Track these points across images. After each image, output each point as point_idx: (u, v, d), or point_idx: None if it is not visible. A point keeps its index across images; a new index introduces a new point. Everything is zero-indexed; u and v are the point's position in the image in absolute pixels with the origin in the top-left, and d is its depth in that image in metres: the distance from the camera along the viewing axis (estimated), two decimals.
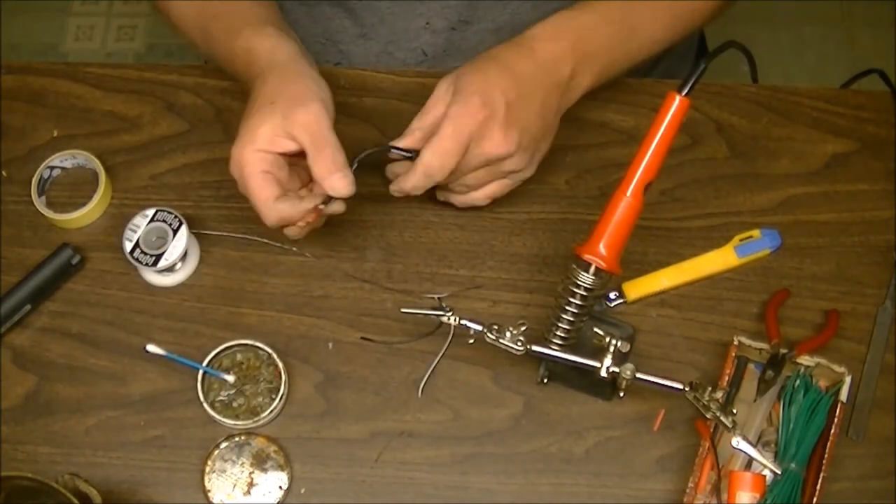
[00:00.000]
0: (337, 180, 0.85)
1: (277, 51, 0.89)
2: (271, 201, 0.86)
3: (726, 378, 0.90)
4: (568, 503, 0.90)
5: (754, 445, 0.86)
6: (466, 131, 0.86)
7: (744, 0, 1.02)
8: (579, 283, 0.84)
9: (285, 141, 0.85)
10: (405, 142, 0.90)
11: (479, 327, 0.87)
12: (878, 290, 0.97)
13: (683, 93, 0.79)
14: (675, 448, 0.92)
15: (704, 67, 0.79)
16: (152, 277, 0.97)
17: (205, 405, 0.91)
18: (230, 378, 0.92)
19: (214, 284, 0.98)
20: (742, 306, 0.96)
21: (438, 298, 0.95)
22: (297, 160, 0.88)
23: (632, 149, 0.82)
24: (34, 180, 0.99)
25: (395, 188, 0.92)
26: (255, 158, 0.85)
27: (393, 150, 0.91)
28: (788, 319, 0.95)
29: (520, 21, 1.06)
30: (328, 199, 0.87)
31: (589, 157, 1.02)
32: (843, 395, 0.88)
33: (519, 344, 0.86)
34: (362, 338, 0.95)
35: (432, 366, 0.94)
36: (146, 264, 0.93)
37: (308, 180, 0.90)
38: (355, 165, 0.89)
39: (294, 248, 0.98)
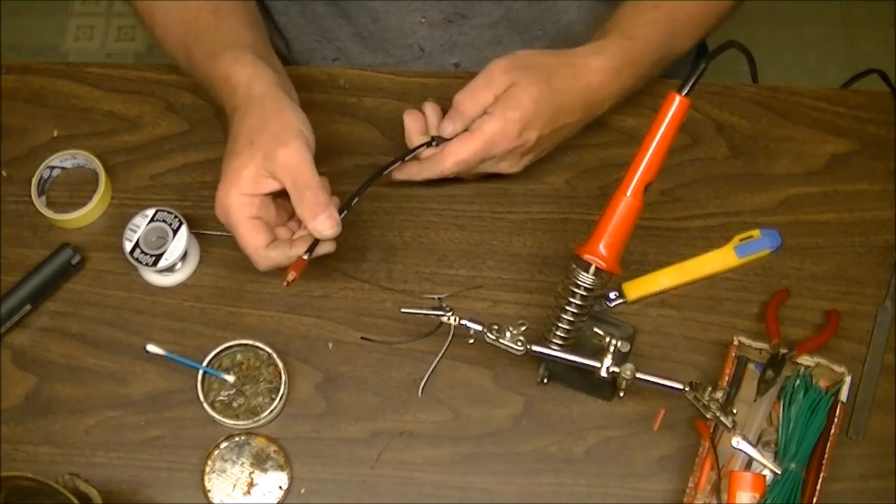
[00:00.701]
0: (321, 222, 0.84)
1: (255, 81, 0.88)
2: (262, 249, 0.86)
3: (726, 378, 0.90)
4: (568, 503, 0.90)
5: (754, 445, 0.86)
6: (498, 150, 0.91)
7: (744, 0, 1.02)
8: (579, 283, 0.84)
9: (269, 181, 0.85)
10: (451, 125, 0.91)
11: (479, 327, 0.87)
12: (878, 290, 0.97)
13: (683, 93, 0.79)
14: (675, 448, 0.92)
15: (704, 67, 0.79)
16: (152, 277, 0.97)
17: (205, 405, 0.91)
18: (230, 378, 0.92)
19: (214, 284, 0.98)
20: (742, 306, 0.96)
21: (438, 299, 0.95)
22: (282, 196, 0.87)
23: (632, 149, 0.82)
24: (34, 180, 0.99)
25: (401, 176, 0.94)
26: (241, 203, 0.85)
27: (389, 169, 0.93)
28: (788, 319, 0.95)
29: (515, 16, 1.06)
30: (315, 242, 0.87)
31: (589, 157, 1.02)
32: (843, 395, 0.88)
33: (519, 344, 0.86)
34: (362, 338, 0.95)
35: (432, 366, 0.94)
36: (146, 264, 0.93)
37: (294, 213, 0.90)
38: (356, 200, 0.90)
39: None
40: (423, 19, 1.06)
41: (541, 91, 0.89)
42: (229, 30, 0.93)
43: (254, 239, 0.86)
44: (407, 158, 0.93)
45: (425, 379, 0.93)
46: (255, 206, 0.86)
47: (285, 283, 0.87)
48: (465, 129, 0.91)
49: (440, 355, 0.94)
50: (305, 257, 0.87)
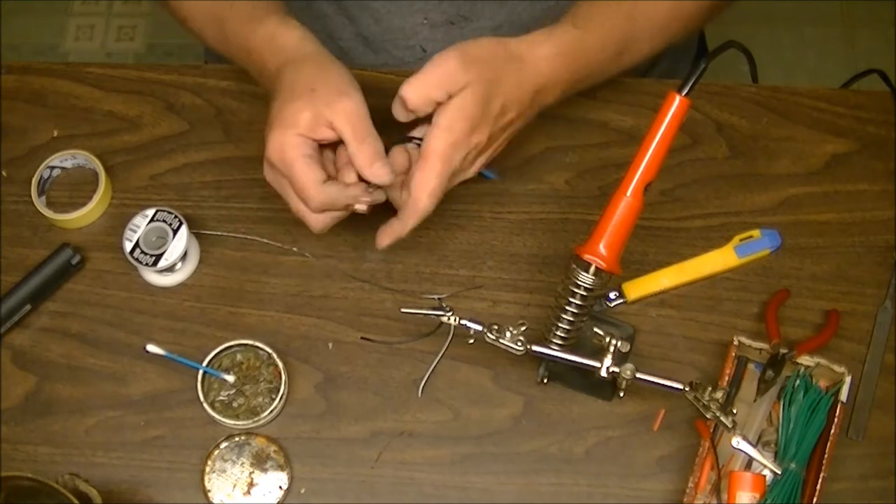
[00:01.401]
0: (378, 168, 0.85)
1: (307, 41, 0.90)
2: (319, 184, 0.85)
3: (726, 378, 0.90)
4: (568, 503, 0.90)
5: (754, 445, 0.86)
6: (454, 165, 0.87)
7: (744, 0, 1.02)
8: (579, 283, 0.84)
9: (325, 129, 0.85)
10: (399, 108, 0.88)
11: (479, 327, 0.87)
12: (878, 290, 0.97)
13: (683, 93, 0.79)
14: (675, 448, 0.92)
15: (704, 67, 0.79)
16: (152, 277, 0.97)
17: (205, 405, 0.91)
18: (230, 378, 0.92)
19: (214, 284, 0.98)
20: (742, 306, 0.96)
21: (438, 299, 0.95)
22: (324, 151, 0.88)
23: (632, 149, 0.82)
24: (34, 180, 0.99)
25: (388, 240, 0.91)
26: (298, 142, 0.85)
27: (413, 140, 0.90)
28: (788, 319, 0.95)
29: (518, 19, 1.06)
30: (372, 188, 0.87)
31: (589, 157, 1.02)
32: (843, 395, 0.88)
33: (519, 344, 0.86)
34: (362, 338, 0.95)
35: (432, 366, 0.94)
36: (146, 264, 0.93)
37: (332, 173, 0.89)
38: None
39: (294, 249, 0.98)
40: (425, 20, 1.06)
41: (485, 91, 0.86)
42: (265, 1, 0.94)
43: (310, 174, 0.85)
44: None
45: (425, 379, 0.93)
46: (310, 146, 0.86)
47: (366, 208, 0.88)
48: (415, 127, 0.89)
49: (440, 355, 0.94)
50: (369, 192, 0.87)
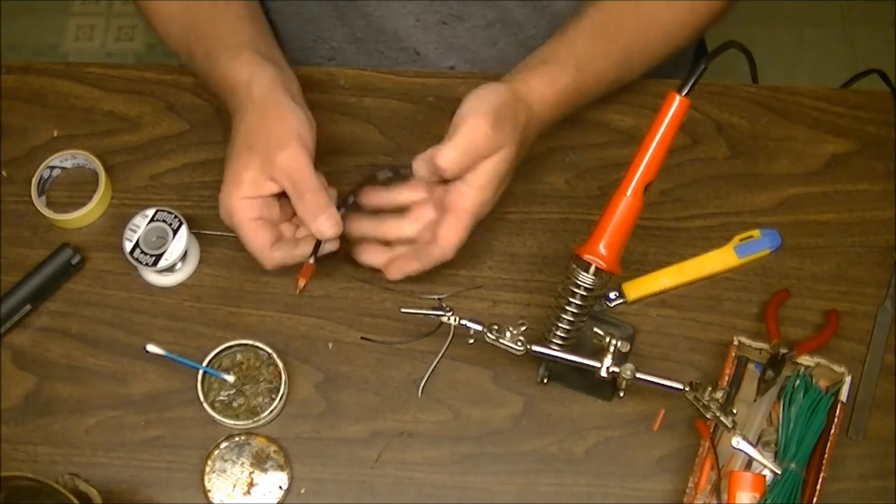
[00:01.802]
0: (321, 223, 0.85)
1: (254, 82, 0.88)
2: (267, 249, 0.87)
3: (726, 378, 0.90)
4: (568, 503, 0.90)
5: (754, 445, 0.86)
6: (480, 217, 0.89)
7: (744, 0, 1.02)
8: (579, 283, 0.84)
9: (269, 183, 0.86)
10: (426, 169, 0.88)
11: (479, 327, 0.87)
12: (878, 290, 0.97)
13: (683, 93, 0.79)
14: (675, 448, 0.92)
15: (704, 67, 0.79)
16: (152, 277, 0.97)
17: (205, 405, 0.91)
18: (230, 378, 0.92)
19: (214, 284, 0.98)
20: (742, 306, 0.96)
21: (438, 299, 0.95)
22: (285, 195, 0.87)
23: (632, 149, 0.82)
24: (34, 180, 0.99)
25: (398, 275, 0.92)
26: (244, 206, 0.86)
27: (383, 172, 0.91)
28: (788, 319, 0.95)
29: (510, 17, 1.06)
30: (319, 242, 0.87)
31: (589, 157, 1.02)
32: (843, 395, 0.88)
33: (519, 344, 0.86)
34: (362, 338, 0.95)
35: (432, 366, 0.94)
36: (146, 264, 0.93)
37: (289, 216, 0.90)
38: (351, 200, 0.90)
39: None
40: (416, 22, 1.06)
41: (517, 155, 0.88)
42: (227, 26, 0.93)
43: (258, 239, 0.86)
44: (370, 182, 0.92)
45: (425, 379, 0.93)
46: (258, 208, 0.86)
47: (298, 292, 0.89)
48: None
49: (440, 355, 0.94)
50: (311, 261, 0.87)
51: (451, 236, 0.87)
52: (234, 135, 0.87)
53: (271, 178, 0.85)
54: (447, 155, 0.85)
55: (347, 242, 0.92)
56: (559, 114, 0.93)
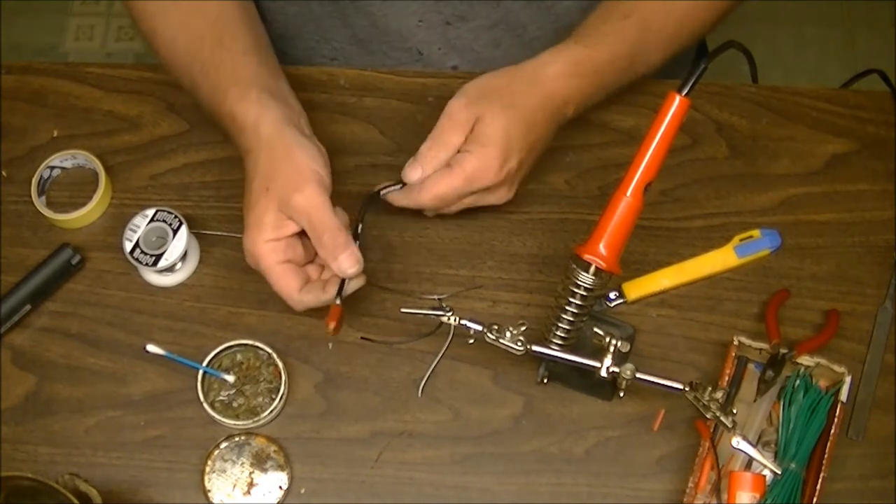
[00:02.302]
0: (343, 261, 0.85)
1: (261, 122, 0.87)
2: (296, 293, 0.87)
3: (726, 378, 0.90)
4: (568, 503, 0.90)
5: (754, 445, 0.86)
6: (479, 186, 0.89)
7: (744, 0, 1.02)
8: (579, 283, 0.84)
9: (290, 224, 0.86)
10: (416, 171, 0.89)
11: (479, 327, 0.87)
12: (878, 290, 0.97)
13: (683, 93, 0.79)
14: (675, 448, 0.92)
15: (704, 67, 0.79)
16: (152, 277, 0.97)
17: (205, 405, 0.91)
18: (230, 378, 0.92)
19: (214, 284, 0.98)
20: (742, 306, 0.96)
21: (438, 299, 0.95)
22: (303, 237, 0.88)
23: (632, 149, 0.82)
24: (34, 180, 0.99)
25: (388, 196, 0.94)
26: (269, 249, 0.86)
27: (385, 190, 0.93)
28: (788, 319, 0.95)
29: (514, 17, 1.06)
30: (343, 281, 0.87)
31: (589, 157, 1.02)
32: (843, 395, 0.88)
33: (519, 344, 0.86)
34: (362, 338, 0.95)
35: (432, 366, 0.94)
36: (146, 264, 0.93)
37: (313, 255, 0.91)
38: (360, 227, 0.91)
39: None
40: (420, 22, 1.06)
41: (508, 117, 0.88)
42: (232, 62, 0.92)
43: (287, 284, 0.87)
44: (378, 195, 0.94)
45: (425, 379, 0.93)
46: (282, 250, 0.86)
47: (328, 334, 0.89)
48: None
49: (440, 355, 0.94)
50: (338, 302, 0.87)
51: (434, 182, 0.89)
52: (251, 179, 0.87)
53: (290, 218, 0.86)
54: (427, 141, 0.88)
55: None
56: (575, 84, 0.92)
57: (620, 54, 0.94)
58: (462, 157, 0.88)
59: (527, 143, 0.90)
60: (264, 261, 0.86)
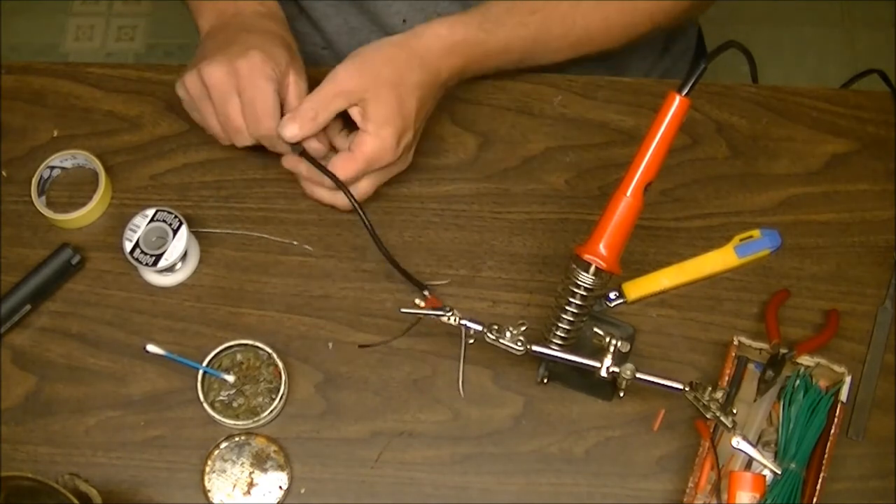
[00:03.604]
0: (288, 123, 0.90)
1: (244, 9, 0.94)
2: (274, 120, 0.90)
3: (726, 378, 0.90)
4: (568, 503, 0.90)
5: (754, 445, 0.86)
6: (380, 165, 0.92)
7: (744, 0, 1.02)
8: (579, 283, 0.84)
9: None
10: (292, 127, 0.90)
11: (479, 327, 0.87)
12: (878, 290, 0.97)
13: (683, 93, 0.79)
14: (675, 448, 0.92)
15: (704, 67, 0.79)
16: (152, 277, 0.97)
17: (205, 405, 0.91)
18: (230, 378, 0.92)
19: (214, 284, 0.98)
20: (742, 306, 0.96)
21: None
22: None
23: (632, 149, 0.82)
24: (34, 180, 0.99)
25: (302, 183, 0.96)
26: (261, 60, 0.89)
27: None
28: (788, 319, 0.95)
29: None
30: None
31: (589, 157, 1.02)
32: (843, 395, 0.88)
33: (519, 344, 0.86)
34: (360, 346, 0.94)
35: (461, 363, 0.94)
36: (146, 264, 0.93)
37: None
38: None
39: (294, 243, 0.98)
40: (404, 21, 1.07)
41: (398, 96, 0.90)
42: None
43: (270, 100, 0.89)
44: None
45: (461, 378, 0.93)
46: (271, 68, 0.90)
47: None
48: (314, 137, 0.92)
49: (461, 357, 0.94)
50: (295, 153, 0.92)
51: (339, 167, 0.91)
52: (223, 40, 0.92)
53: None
54: (310, 98, 0.90)
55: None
56: (461, 63, 0.95)
57: (513, 48, 0.97)
58: (360, 139, 0.90)
59: (419, 116, 0.92)
60: (258, 69, 0.88)
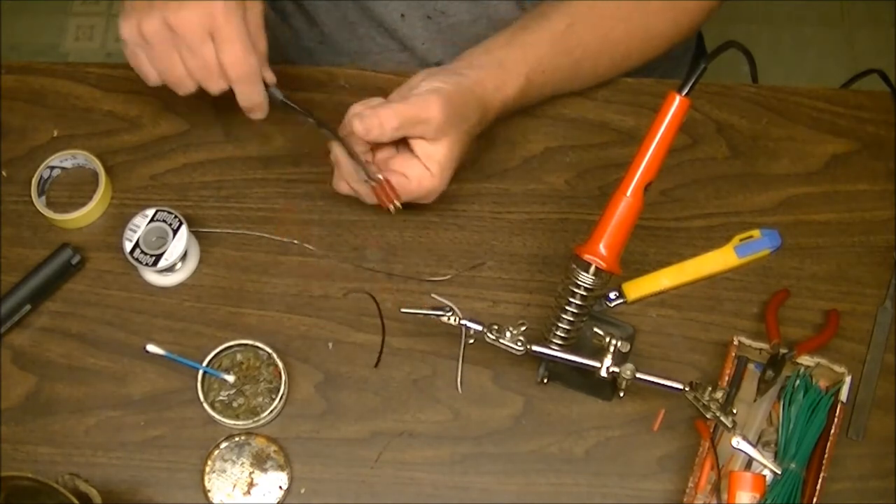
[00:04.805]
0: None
1: None
2: (255, 63, 0.87)
3: (726, 378, 0.90)
4: (568, 503, 0.90)
5: (754, 445, 0.87)
6: (427, 199, 0.91)
7: (744, 0, 1.02)
8: (579, 283, 0.84)
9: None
10: (375, 131, 0.87)
11: (479, 327, 0.87)
12: (878, 290, 0.97)
13: (683, 93, 0.79)
14: (675, 448, 0.92)
15: (704, 67, 0.79)
16: (152, 277, 0.97)
17: (205, 405, 0.91)
18: (230, 378, 0.92)
19: (214, 284, 0.98)
20: (742, 306, 0.96)
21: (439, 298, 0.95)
22: None
23: (632, 149, 0.82)
24: (34, 180, 0.99)
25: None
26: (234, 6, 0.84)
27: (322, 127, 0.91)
28: (788, 319, 0.95)
29: (495, 13, 1.06)
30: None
31: (589, 157, 1.02)
32: (843, 395, 0.88)
33: (519, 344, 0.86)
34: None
35: (459, 364, 0.94)
36: (146, 264, 0.93)
37: None
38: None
39: (295, 242, 0.98)
40: (402, 16, 1.07)
41: (464, 143, 0.90)
42: None
43: (247, 48, 0.85)
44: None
45: (459, 376, 0.93)
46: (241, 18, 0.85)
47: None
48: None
49: (461, 356, 0.94)
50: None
51: (373, 191, 0.90)
52: None
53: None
54: (389, 115, 0.86)
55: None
56: (501, 116, 0.95)
57: (550, 87, 0.99)
58: (420, 174, 0.89)
59: (460, 160, 0.91)
60: (232, 10, 0.84)
